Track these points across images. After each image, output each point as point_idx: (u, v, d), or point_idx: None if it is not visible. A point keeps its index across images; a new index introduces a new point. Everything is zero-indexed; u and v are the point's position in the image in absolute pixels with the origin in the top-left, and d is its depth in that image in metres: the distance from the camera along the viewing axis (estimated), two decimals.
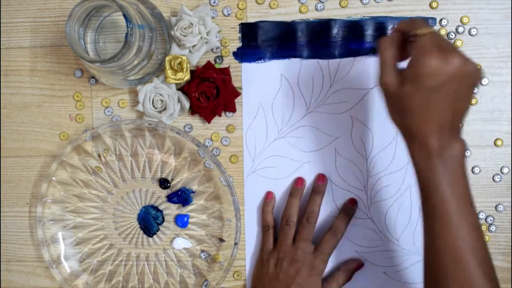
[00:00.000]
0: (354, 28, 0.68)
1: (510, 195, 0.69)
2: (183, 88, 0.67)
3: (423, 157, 0.52)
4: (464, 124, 0.68)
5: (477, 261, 0.52)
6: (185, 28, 0.65)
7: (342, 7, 0.68)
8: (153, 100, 0.66)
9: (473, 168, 0.69)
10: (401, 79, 0.52)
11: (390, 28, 0.66)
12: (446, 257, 0.52)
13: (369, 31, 0.68)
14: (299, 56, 0.68)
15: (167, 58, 0.65)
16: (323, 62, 0.68)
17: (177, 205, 0.70)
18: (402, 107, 0.52)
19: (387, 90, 0.53)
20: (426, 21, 0.52)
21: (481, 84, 0.68)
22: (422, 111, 0.51)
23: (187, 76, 0.66)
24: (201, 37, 0.65)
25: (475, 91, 0.52)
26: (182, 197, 0.69)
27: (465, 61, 0.50)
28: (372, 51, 0.68)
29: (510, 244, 0.69)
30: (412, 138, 0.52)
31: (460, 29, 0.67)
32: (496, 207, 0.69)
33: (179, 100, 0.67)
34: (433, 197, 0.52)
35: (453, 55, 0.50)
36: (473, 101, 0.68)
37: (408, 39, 0.54)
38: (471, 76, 0.51)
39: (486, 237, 0.69)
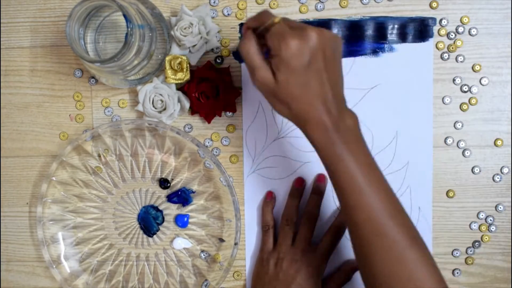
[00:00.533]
0: (354, 28, 0.68)
1: (510, 195, 0.69)
2: (183, 88, 0.67)
3: (320, 136, 0.52)
4: (464, 124, 0.68)
5: (397, 225, 0.52)
6: (185, 28, 0.65)
7: (342, 7, 0.68)
8: (153, 100, 0.66)
9: (473, 168, 0.69)
10: (272, 71, 0.51)
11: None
12: (365, 229, 0.52)
13: (369, 31, 0.68)
14: None
15: (167, 58, 0.65)
16: None
17: (177, 205, 0.70)
18: (283, 96, 0.52)
19: (265, 86, 0.52)
20: (269, 11, 0.53)
21: (479, 84, 0.68)
22: (302, 93, 0.51)
23: (187, 76, 0.66)
24: (201, 37, 0.65)
25: (341, 58, 0.53)
26: (182, 197, 0.69)
27: (320, 32, 0.50)
28: (372, 51, 0.68)
29: (510, 244, 0.69)
30: (305, 122, 0.52)
31: (460, 29, 0.67)
32: (496, 207, 0.69)
33: (179, 100, 0.67)
34: (339, 171, 0.52)
35: (307, 30, 0.50)
36: (473, 101, 0.68)
37: (261, 33, 0.53)
38: (332, 43, 0.51)
39: (486, 237, 0.69)
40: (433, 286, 0.51)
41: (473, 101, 0.68)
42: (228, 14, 0.68)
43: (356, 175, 0.52)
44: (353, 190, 0.52)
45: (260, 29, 0.53)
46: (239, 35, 0.68)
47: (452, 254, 0.70)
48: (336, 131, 0.51)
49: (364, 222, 0.52)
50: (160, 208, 0.70)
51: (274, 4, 0.68)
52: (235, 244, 0.68)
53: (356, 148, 0.52)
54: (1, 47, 0.70)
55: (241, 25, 0.68)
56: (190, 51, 0.66)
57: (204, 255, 0.71)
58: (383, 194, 0.52)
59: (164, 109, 0.67)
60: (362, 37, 0.68)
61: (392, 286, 0.52)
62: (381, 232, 0.51)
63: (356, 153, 0.52)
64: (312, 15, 0.68)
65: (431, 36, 0.67)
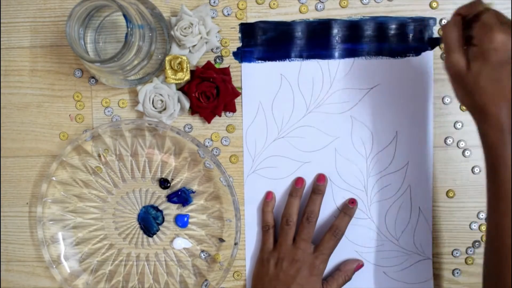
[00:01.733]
0: (354, 28, 0.68)
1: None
2: (183, 88, 0.67)
3: (494, 134, 0.51)
4: (464, 124, 0.68)
5: None
6: (185, 28, 0.65)
7: (342, 7, 0.68)
8: (153, 100, 0.66)
9: (473, 168, 0.69)
10: (467, 59, 0.52)
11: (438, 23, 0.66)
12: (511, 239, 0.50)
13: (369, 31, 0.68)
14: (299, 56, 0.68)
15: (167, 58, 0.65)
16: (323, 62, 0.68)
17: (177, 205, 0.70)
18: (471, 86, 0.52)
19: (455, 70, 0.53)
20: (482, 2, 0.54)
21: None
22: (491, 87, 0.51)
23: (187, 76, 0.66)
24: (201, 37, 0.65)
25: None
26: (182, 197, 0.69)
27: None
28: (372, 51, 0.68)
29: None
30: (483, 115, 0.52)
31: None
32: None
33: (179, 100, 0.67)
34: (501, 174, 0.51)
35: None
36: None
37: (468, 22, 0.54)
38: None
39: None
40: None
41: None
42: (228, 14, 0.68)
43: None
44: (508, 196, 0.51)
45: (469, 16, 0.53)
46: (239, 35, 0.68)
47: (452, 254, 0.70)
48: (510, 132, 0.51)
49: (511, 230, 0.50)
50: (160, 208, 0.70)
51: (274, 4, 0.68)
52: (235, 244, 0.68)
53: None
54: (1, 47, 0.70)
55: (241, 25, 0.68)
56: (190, 51, 0.66)
57: (204, 255, 0.71)
58: None
59: (164, 109, 0.67)
60: (362, 37, 0.68)
61: None
62: None
63: None
64: (312, 15, 0.68)
65: (431, 36, 0.68)
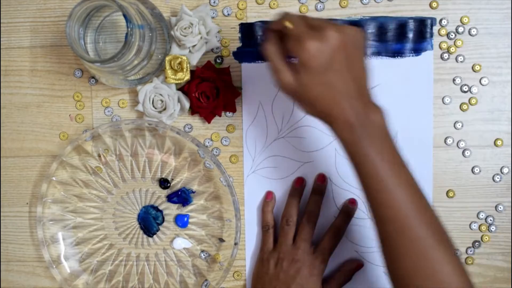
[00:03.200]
0: None
1: (510, 195, 0.69)
2: (183, 88, 0.67)
3: (346, 134, 0.52)
4: (464, 124, 0.68)
5: (424, 224, 0.52)
6: (185, 28, 0.65)
7: (342, 7, 0.68)
8: (153, 100, 0.66)
9: (473, 168, 0.69)
10: (294, 74, 0.52)
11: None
12: (391, 226, 0.52)
13: (369, 31, 0.68)
14: None
15: (167, 58, 0.65)
16: None
17: (177, 205, 0.70)
18: (306, 98, 0.52)
19: (286, 87, 0.53)
20: (289, 14, 0.53)
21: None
22: (325, 93, 0.51)
23: (187, 76, 0.66)
24: (201, 37, 0.65)
25: (365, 50, 0.54)
26: (182, 197, 0.69)
27: (340, 29, 0.50)
28: (372, 51, 0.68)
29: (510, 244, 0.69)
30: (331, 120, 0.52)
31: (460, 29, 0.67)
32: (496, 207, 0.69)
33: (179, 100, 0.67)
34: (365, 168, 0.52)
35: (326, 30, 0.50)
36: (473, 101, 0.68)
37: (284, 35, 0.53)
38: (354, 39, 0.51)
39: (486, 237, 0.69)
40: (457, 285, 0.51)
41: (473, 101, 0.68)
42: (228, 14, 0.68)
43: (381, 173, 0.51)
44: (379, 188, 0.52)
45: (283, 30, 0.53)
46: (239, 35, 0.68)
47: None
48: (362, 128, 0.51)
49: (390, 219, 0.52)
50: (160, 208, 0.70)
51: (274, 4, 0.68)
52: (235, 244, 0.68)
53: (381, 145, 0.52)
54: (1, 47, 0.70)
55: (241, 25, 0.68)
56: (190, 51, 0.66)
57: (204, 255, 0.71)
58: (410, 192, 0.52)
59: (164, 109, 0.67)
60: None
61: (415, 282, 0.51)
62: (407, 229, 0.51)
63: (381, 150, 0.52)
64: (312, 15, 0.68)
65: (431, 36, 0.68)
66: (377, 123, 0.52)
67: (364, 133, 0.51)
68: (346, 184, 0.69)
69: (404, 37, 0.68)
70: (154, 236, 0.71)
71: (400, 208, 0.51)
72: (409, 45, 0.68)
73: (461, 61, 0.68)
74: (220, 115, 0.68)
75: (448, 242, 0.53)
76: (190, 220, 0.70)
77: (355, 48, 0.52)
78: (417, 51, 0.68)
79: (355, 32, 0.52)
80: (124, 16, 0.57)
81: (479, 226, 0.69)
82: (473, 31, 0.67)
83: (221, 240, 0.70)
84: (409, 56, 0.68)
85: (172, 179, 0.70)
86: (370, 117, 0.52)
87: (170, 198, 0.70)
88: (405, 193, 0.52)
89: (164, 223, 0.71)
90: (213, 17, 0.68)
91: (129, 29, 0.57)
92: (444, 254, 0.52)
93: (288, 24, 0.52)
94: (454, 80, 0.68)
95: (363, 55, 0.53)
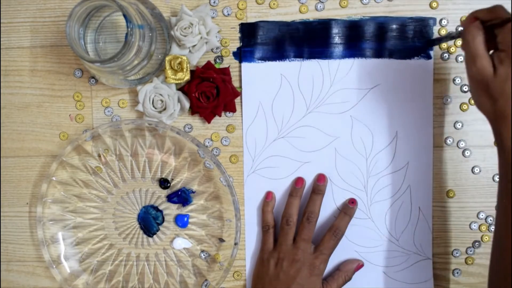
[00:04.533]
0: (354, 28, 0.68)
1: (510, 195, 0.69)
2: (183, 88, 0.67)
3: None
4: (464, 124, 0.68)
5: None
6: (185, 28, 0.65)
7: (342, 7, 0.68)
8: (153, 100, 0.66)
9: (473, 168, 0.69)
10: (493, 64, 0.53)
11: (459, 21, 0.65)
12: None
13: (369, 31, 0.68)
14: (299, 56, 0.68)
15: (167, 58, 0.65)
16: (323, 62, 0.68)
17: (177, 205, 0.70)
18: (497, 91, 0.52)
19: (482, 76, 0.53)
20: (504, 7, 0.55)
21: None
22: (509, 93, 0.51)
23: (187, 76, 0.66)
24: (201, 37, 0.65)
25: None
26: (182, 197, 0.69)
27: None
28: (372, 51, 0.68)
29: None
30: (503, 120, 0.53)
31: (460, 29, 0.67)
32: (496, 207, 0.69)
33: (179, 100, 0.67)
34: None
35: None
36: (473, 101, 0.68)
37: (490, 26, 0.54)
38: None
39: (486, 237, 0.69)
40: None
41: (473, 101, 0.68)
42: (228, 14, 0.68)
43: None
44: None
45: (493, 21, 0.54)
46: (239, 35, 0.68)
47: (452, 254, 0.70)
48: None
49: None
50: (160, 208, 0.70)
51: (274, 4, 0.68)
52: (235, 244, 0.68)
53: None
54: (1, 47, 0.70)
55: (241, 25, 0.68)
56: (190, 51, 0.66)
57: (204, 255, 0.71)
58: None
59: (164, 109, 0.67)
60: (362, 37, 0.68)
61: None
62: None
63: None
64: (312, 15, 0.68)
65: (430, 36, 0.68)
66: None
67: None
68: (346, 184, 0.69)
69: (404, 37, 0.68)
70: (154, 236, 0.71)
71: None
72: (409, 45, 0.68)
73: (461, 61, 0.68)
74: (220, 115, 0.68)
75: None
76: (190, 220, 0.70)
77: None
78: (417, 51, 0.68)
79: None
80: (124, 16, 0.57)
81: (479, 226, 0.69)
82: None
83: (221, 240, 0.70)
84: (409, 56, 0.68)
85: (172, 179, 0.70)
86: None
87: (170, 198, 0.70)
88: None
89: (164, 223, 0.71)
90: (213, 17, 0.68)
91: (129, 29, 0.57)
92: None
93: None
94: (454, 80, 0.68)
95: None
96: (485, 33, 0.54)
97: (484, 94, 0.54)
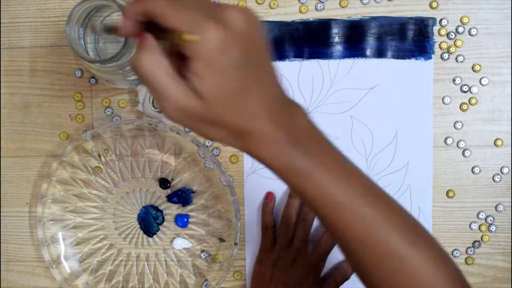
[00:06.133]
0: (354, 28, 0.68)
1: (510, 195, 0.69)
2: None
3: (272, 153, 0.39)
4: (464, 124, 0.68)
5: (392, 232, 0.42)
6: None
7: (342, 7, 0.68)
8: (153, 100, 0.66)
9: (473, 168, 0.69)
10: (189, 87, 0.36)
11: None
12: (356, 245, 0.42)
13: (369, 31, 0.68)
14: (299, 56, 0.68)
15: None
16: (323, 62, 0.68)
17: (177, 205, 0.70)
18: (214, 116, 0.37)
19: (187, 112, 0.36)
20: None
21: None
22: (239, 102, 0.37)
23: None
24: None
25: (267, 43, 0.39)
26: (182, 197, 0.69)
27: (244, 11, 0.36)
28: (372, 51, 0.68)
29: (510, 244, 0.69)
30: (249, 140, 0.39)
31: (460, 29, 0.67)
32: (496, 207, 0.69)
33: None
34: (308, 190, 0.40)
35: (226, 10, 0.36)
36: (473, 101, 0.68)
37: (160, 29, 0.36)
38: (259, 24, 0.38)
39: (486, 237, 0.69)
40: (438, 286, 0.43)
41: (473, 101, 0.68)
42: None
43: (330, 189, 0.40)
44: (331, 208, 0.41)
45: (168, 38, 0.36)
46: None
47: (452, 254, 0.70)
48: (290, 140, 0.39)
49: (352, 238, 0.42)
50: (160, 208, 0.70)
51: (274, 4, 0.68)
52: (235, 244, 0.68)
53: (320, 153, 0.40)
54: (1, 47, 0.70)
55: None
56: None
57: (204, 255, 0.71)
58: (369, 199, 0.42)
59: None
60: (362, 37, 0.68)
61: None
62: (374, 244, 0.42)
63: (322, 160, 0.40)
64: (312, 15, 0.68)
65: (430, 36, 0.68)
66: (305, 125, 0.40)
67: (295, 145, 0.39)
68: None
69: (404, 37, 0.68)
70: (154, 236, 0.71)
71: (359, 224, 0.41)
72: (409, 45, 0.68)
73: (461, 61, 0.68)
74: None
75: (426, 243, 0.44)
76: (190, 220, 0.70)
77: (261, 35, 0.38)
78: (417, 51, 0.68)
79: (256, 15, 0.38)
80: None
81: (479, 226, 0.69)
82: (473, 31, 0.67)
83: (221, 240, 0.70)
84: (409, 56, 0.68)
85: (172, 179, 0.70)
86: (295, 123, 0.39)
87: (170, 198, 0.70)
88: (363, 204, 0.41)
89: (164, 223, 0.71)
90: None
91: None
92: (421, 259, 0.43)
93: (188, 35, 0.34)
94: (454, 80, 0.68)
95: (267, 44, 0.40)
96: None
97: (207, 126, 0.38)
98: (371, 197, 0.42)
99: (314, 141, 0.41)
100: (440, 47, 0.68)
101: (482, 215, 0.69)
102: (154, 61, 0.35)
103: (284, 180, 0.41)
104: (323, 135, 0.42)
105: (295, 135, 0.39)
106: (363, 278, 0.45)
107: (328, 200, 0.40)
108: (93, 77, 0.69)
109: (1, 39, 0.70)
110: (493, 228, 0.69)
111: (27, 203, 0.71)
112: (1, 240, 0.72)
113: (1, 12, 0.69)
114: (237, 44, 0.35)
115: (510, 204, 0.69)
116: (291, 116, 0.39)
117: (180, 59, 0.36)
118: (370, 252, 0.42)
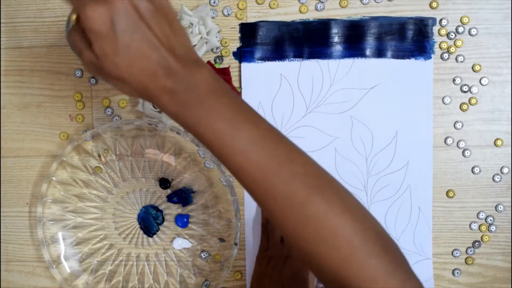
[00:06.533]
0: (354, 28, 0.68)
1: (510, 195, 0.69)
2: None
3: (170, 103, 0.43)
4: (464, 124, 0.68)
5: (290, 178, 0.42)
6: (185, 28, 0.65)
7: (342, 7, 0.68)
8: None
9: (473, 168, 0.69)
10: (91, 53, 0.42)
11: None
12: (256, 191, 0.43)
13: (369, 31, 0.68)
14: (299, 56, 0.68)
15: None
16: (323, 62, 0.68)
17: (177, 205, 0.70)
18: (113, 72, 0.42)
19: (92, 67, 0.43)
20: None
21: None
22: (128, 60, 0.41)
23: None
24: (201, 37, 0.65)
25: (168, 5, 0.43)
26: (182, 197, 0.69)
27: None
28: (372, 51, 0.68)
29: (510, 244, 0.69)
30: (149, 93, 0.43)
31: (460, 29, 0.67)
32: (496, 207, 0.69)
33: None
34: (204, 136, 0.43)
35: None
36: (473, 101, 0.68)
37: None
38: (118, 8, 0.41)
39: (486, 237, 0.69)
40: (349, 237, 0.42)
41: (473, 101, 0.68)
42: (228, 14, 0.68)
43: (223, 134, 0.42)
44: (226, 153, 0.42)
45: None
46: (239, 35, 0.68)
47: (452, 254, 0.70)
48: (187, 91, 0.42)
49: (251, 184, 0.43)
50: (160, 208, 0.70)
51: (274, 4, 0.68)
52: (235, 244, 0.68)
53: (215, 103, 0.42)
54: (1, 47, 0.70)
55: (241, 25, 0.68)
56: None
57: (204, 255, 0.71)
58: (265, 145, 0.43)
59: None
60: (362, 37, 0.68)
61: (303, 247, 0.43)
62: (272, 191, 0.42)
63: (216, 109, 0.42)
64: (312, 15, 0.68)
65: (430, 36, 0.68)
66: (204, 80, 0.42)
67: (191, 96, 0.42)
68: (346, 184, 0.69)
69: (404, 37, 0.68)
70: (154, 236, 0.71)
71: (256, 169, 0.42)
72: (409, 45, 0.68)
73: (461, 61, 0.68)
74: None
75: (329, 189, 0.43)
76: (190, 220, 0.70)
77: (125, 9, 0.41)
78: (417, 51, 0.68)
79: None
80: None
81: (479, 226, 0.69)
82: (473, 31, 0.67)
83: (221, 240, 0.70)
84: (409, 55, 0.68)
85: (172, 179, 0.70)
86: (194, 77, 0.42)
87: (170, 198, 0.70)
88: (256, 150, 0.42)
89: (164, 223, 0.71)
90: (213, 17, 0.68)
91: None
92: (323, 207, 0.42)
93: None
94: (454, 80, 0.68)
95: (165, 7, 0.43)
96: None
97: (113, 80, 0.43)
98: (267, 144, 0.43)
99: (209, 94, 0.43)
100: (440, 47, 0.68)
101: (482, 215, 0.69)
102: (76, 30, 0.42)
103: (184, 126, 0.44)
104: (222, 91, 0.44)
105: (191, 86, 0.42)
106: (277, 227, 0.45)
107: (221, 145, 0.43)
108: (93, 77, 0.69)
109: (1, 39, 0.70)
110: (493, 228, 0.69)
111: (27, 203, 0.71)
112: (1, 240, 0.72)
113: (1, 12, 0.69)
114: (109, 14, 0.40)
115: (510, 204, 0.69)
116: (190, 70, 0.42)
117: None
118: (270, 201, 0.43)
